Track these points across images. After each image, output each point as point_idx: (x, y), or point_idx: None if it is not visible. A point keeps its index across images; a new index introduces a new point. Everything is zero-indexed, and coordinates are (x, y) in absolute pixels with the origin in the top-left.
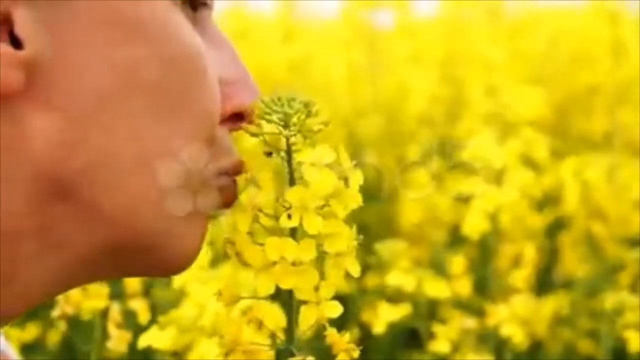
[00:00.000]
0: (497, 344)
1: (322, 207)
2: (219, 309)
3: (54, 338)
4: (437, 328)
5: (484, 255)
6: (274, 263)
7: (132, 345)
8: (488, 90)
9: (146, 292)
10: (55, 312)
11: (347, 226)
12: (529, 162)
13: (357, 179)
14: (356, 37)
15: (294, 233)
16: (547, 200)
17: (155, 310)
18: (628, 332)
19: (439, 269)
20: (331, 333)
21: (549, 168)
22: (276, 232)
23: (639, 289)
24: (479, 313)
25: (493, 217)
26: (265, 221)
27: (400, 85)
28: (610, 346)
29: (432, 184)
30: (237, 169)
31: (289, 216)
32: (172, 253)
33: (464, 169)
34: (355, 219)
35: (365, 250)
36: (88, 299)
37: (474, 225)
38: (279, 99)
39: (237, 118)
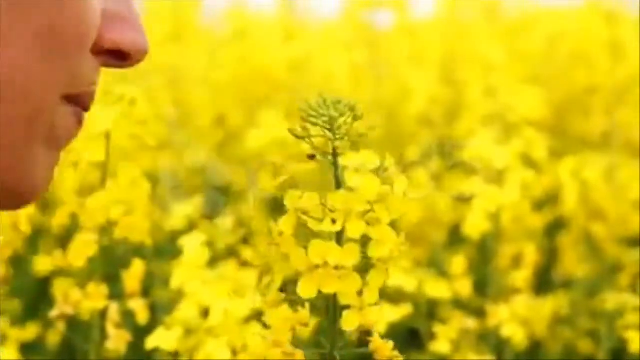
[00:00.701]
0: (497, 344)
1: (367, 212)
2: (227, 309)
3: (53, 338)
4: (438, 328)
5: (484, 255)
6: (317, 267)
7: (131, 345)
8: (487, 90)
9: (145, 292)
10: (54, 312)
11: (393, 232)
12: (529, 162)
13: (402, 184)
14: (356, 37)
15: (339, 238)
16: (546, 200)
17: (155, 311)
18: (629, 332)
19: (439, 269)
20: (375, 339)
21: (548, 168)
22: (322, 236)
23: (639, 289)
24: (479, 313)
25: (493, 217)
26: (312, 224)
27: (400, 86)
28: (610, 346)
29: (432, 184)
30: (90, 102)
31: (333, 220)
32: (20, 182)
33: (463, 169)
34: None
35: None
36: (87, 299)
37: (475, 226)
38: (324, 102)
39: (113, 55)
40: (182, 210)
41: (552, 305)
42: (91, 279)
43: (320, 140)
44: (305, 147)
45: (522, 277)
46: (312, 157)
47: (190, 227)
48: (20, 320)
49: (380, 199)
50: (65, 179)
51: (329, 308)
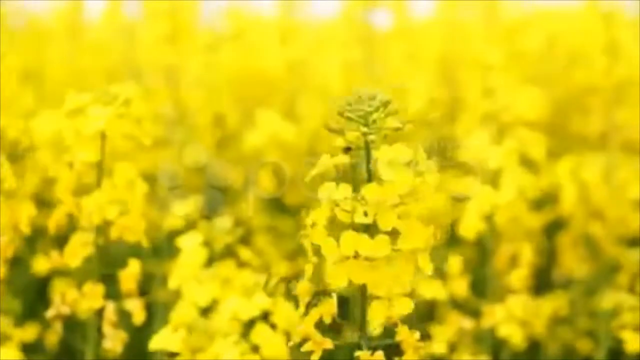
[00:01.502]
0: (494, 344)
1: (398, 205)
2: (235, 308)
3: (53, 338)
4: (434, 328)
5: (481, 255)
6: (348, 257)
7: (127, 345)
8: (485, 91)
9: (142, 292)
10: (50, 312)
11: (423, 224)
12: (526, 162)
13: (433, 178)
14: (354, 37)
15: (368, 229)
16: (545, 200)
17: (152, 310)
18: (625, 332)
19: (436, 269)
20: (402, 330)
21: (546, 168)
22: (352, 227)
23: (637, 289)
24: (476, 313)
25: (490, 218)
26: (343, 216)
27: (398, 85)
28: (609, 346)
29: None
30: None
31: (365, 213)
32: None
33: (461, 169)
34: None
35: None
36: (84, 299)
37: (470, 226)
38: (359, 97)
39: None
40: (181, 210)
41: (551, 305)
42: (88, 278)
43: (354, 135)
44: (339, 141)
45: (518, 277)
46: (347, 149)
47: (188, 226)
48: (20, 320)
49: (412, 191)
50: (61, 179)
51: (359, 298)
